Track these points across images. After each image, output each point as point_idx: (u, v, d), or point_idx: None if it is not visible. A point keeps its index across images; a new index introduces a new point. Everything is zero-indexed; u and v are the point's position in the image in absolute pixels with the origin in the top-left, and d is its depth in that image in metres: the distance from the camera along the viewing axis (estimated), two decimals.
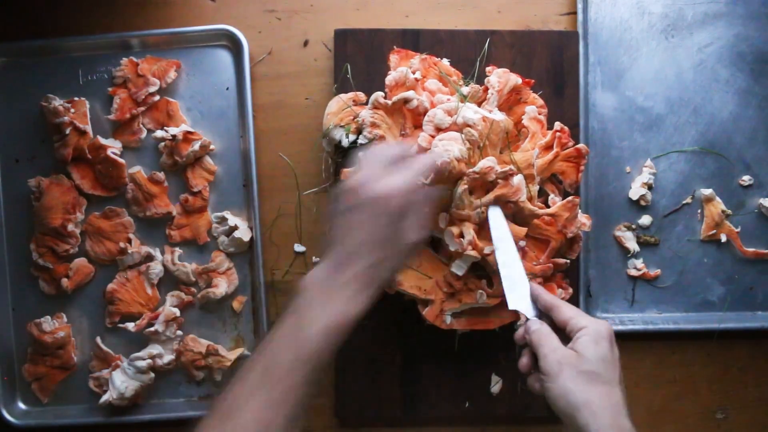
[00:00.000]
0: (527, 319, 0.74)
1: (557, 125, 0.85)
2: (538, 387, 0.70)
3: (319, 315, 0.65)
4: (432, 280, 0.84)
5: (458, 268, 0.81)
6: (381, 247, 0.68)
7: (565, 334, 0.71)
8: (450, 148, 0.77)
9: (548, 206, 0.84)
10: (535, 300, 0.75)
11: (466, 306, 0.83)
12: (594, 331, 0.69)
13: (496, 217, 0.80)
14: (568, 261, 0.86)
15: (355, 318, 0.66)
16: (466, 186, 0.77)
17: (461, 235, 0.79)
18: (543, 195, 0.86)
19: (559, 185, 0.88)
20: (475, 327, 0.85)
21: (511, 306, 0.76)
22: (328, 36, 0.94)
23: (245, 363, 0.66)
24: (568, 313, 0.72)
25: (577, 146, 0.85)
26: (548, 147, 0.84)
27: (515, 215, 0.82)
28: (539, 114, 0.86)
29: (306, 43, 0.95)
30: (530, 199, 0.83)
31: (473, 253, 0.78)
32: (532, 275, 0.81)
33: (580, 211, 0.85)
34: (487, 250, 0.79)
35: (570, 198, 0.83)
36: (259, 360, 0.65)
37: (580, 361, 0.67)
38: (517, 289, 0.76)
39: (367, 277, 0.67)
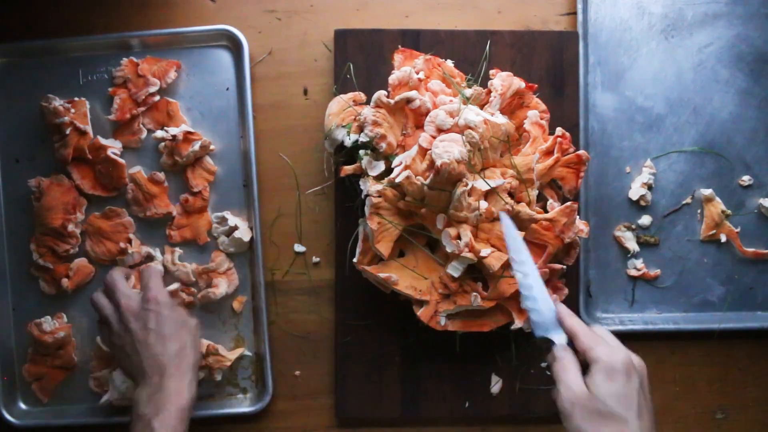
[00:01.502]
0: (553, 344, 0.73)
1: (558, 130, 0.85)
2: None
3: (161, 410, 0.76)
4: (427, 281, 0.84)
5: (454, 270, 0.81)
6: (174, 334, 0.81)
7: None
8: (450, 149, 0.77)
9: (547, 211, 0.84)
10: (560, 322, 0.74)
11: (461, 308, 0.83)
12: (607, 365, 0.67)
13: (508, 227, 0.79)
14: (565, 267, 0.86)
15: (192, 399, 0.79)
16: (464, 188, 0.77)
17: (458, 237, 0.79)
18: (542, 200, 0.86)
19: (559, 191, 0.88)
20: (469, 329, 0.85)
21: (537, 334, 0.75)
22: (328, 36, 0.94)
23: None
24: (585, 343, 0.70)
25: (578, 152, 0.85)
26: (549, 152, 0.84)
27: (514, 219, 0.82)
28: (541, 119, 0.86)
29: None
30: (529, 203, 0.83)
31: (470, 255, 0.78)
32: None
33: (578, 216, 0.85)
34: (483, 253, 0.78)
35: (568, 203, 0.83)
36: None
37: (592, 400, 0.66)
38: (543, 314, 0.75)
39: (180, 363, 0.80)
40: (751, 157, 0.96)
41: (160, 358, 0.79)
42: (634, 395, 0.67)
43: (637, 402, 0.66)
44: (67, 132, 0.91)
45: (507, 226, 0.78)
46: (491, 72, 0.86)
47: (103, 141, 0.92)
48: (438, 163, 0.75)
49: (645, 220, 0.95)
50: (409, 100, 0.82)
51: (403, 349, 0.93)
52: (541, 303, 0.75)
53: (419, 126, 0.83)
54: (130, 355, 0.81)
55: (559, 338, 0.73)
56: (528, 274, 0.76)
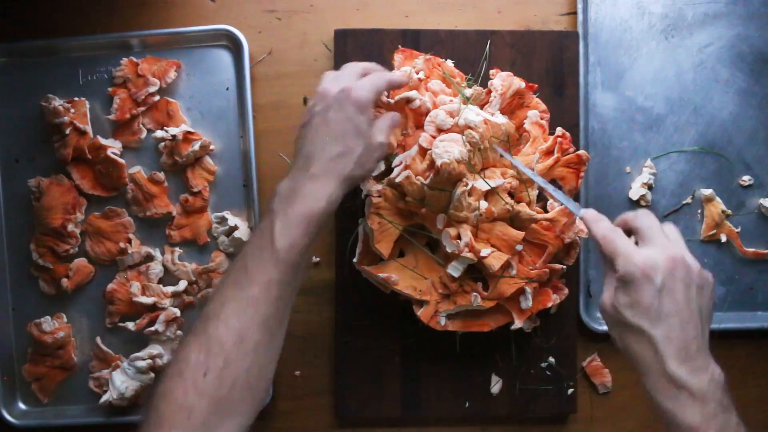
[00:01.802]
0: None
1: (559, 130, 0.85)
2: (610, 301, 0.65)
3: (288, 210, 0.67)
4: (428, 281, 0.84)
5: (454, 270, 0.81)
6: (344, 137, 0.71)
7: None
8: (450, 149, 0.77)
9: (547, 211, 0.84)
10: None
11: (461, 308, 0.83)
12: (621, 277, 0.64)
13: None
14: (565, 267, 0.86)
15: (324, 209, 0.68)
16: (464, 188, 0.77)
17: (458, 237, 0.79)
18: (542, 200, 0.86)
19: (559, 191, 0.88)
20: (469, 329, 0.85)
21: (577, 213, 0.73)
22: (328, 36, 0.94)
23: (226, 270, 0.68)
24: (606, 254, 0.66)
25: (578, 152, 0.85)
26: (549, 152, 0.84)
27: (513, 219, 0.82)
28: (541, 119, 0.86)
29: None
30: (529, 203, 0.83)
31: (470, 255, 0.78)
32: (528, 280, 0.81)
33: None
34: (483, 253, 0.78)
35: None
36: (236, 262, 0.67)
37: (612, 310, 0.65)
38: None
39: (332, 168, 0.69)
40: (751, 157, 0.96)
41: (317, 153, 0.70)
42: (648, 302, 0.62)
43: (655, 309, 0.62)
44: (67, 132, 0.91)
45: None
46: (491, 72, 0.86)
47: (102, 141, 0.92)
48: (438, 163, 0.75)
49: None
50: (409, 100, 0.82)
51: (403, 349, 0.93)
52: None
53: (419, 126, 0.83)
54: (300, 138, 0.73)
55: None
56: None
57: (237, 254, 0.93)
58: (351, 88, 0.72)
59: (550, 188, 0.78)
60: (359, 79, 0.75)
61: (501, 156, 0.81)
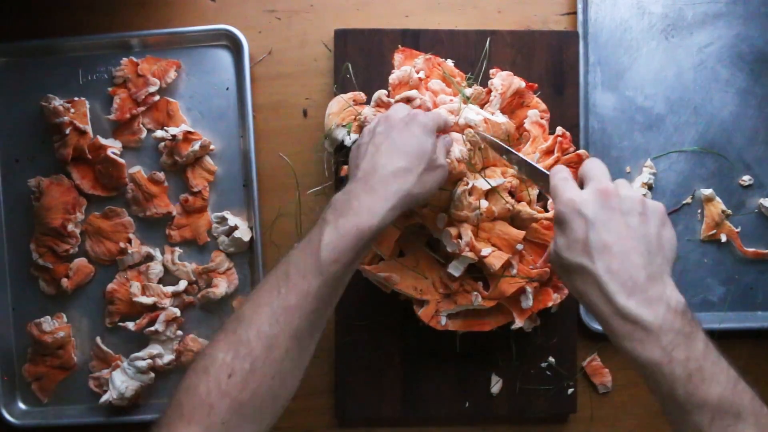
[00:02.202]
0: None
1: (559, 130, 0.85)
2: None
3: (339, 221, 0.65)
4: (428, 281, 0.84)
5: (455, 269, 0.81)
6: (409, 154, 0.68)
7: None
8: (451, 148, 0.77)
9: (547, 210, 0.84)
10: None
11: (462, 307, 0.83)
12: (555, 219, 0.64)
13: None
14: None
15: (378, 225, 0.65)
16: (465, 187, 0.77)
17: (459, 236, 0.79)
18: (542, 199, 0.86)
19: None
20: (470, 329, 0.85)
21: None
22: (328, 36, 0.94)
23: (269, 271, 0.66)
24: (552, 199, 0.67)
25: (578, 151, 0.85)
26: (549, 151, 0.84)
27: (513, 218, 0.82)
28: (541, 118, 0.86)
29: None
30: (529, 202, 0.83)
31: (470, 254, 0.78)
32: (528, 279, 0.81)
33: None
34: (484, 252, 0.78)
35: None
36: (279, 266, 0.65)
37: (555, 257, 0.64)
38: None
39: (393, 182, 0.67)
40: (751, 157, 0.96)
41: (378, 167, 0.67)
42: (582, 236, 0.61)
43: (592, 242, 0.60)
44: (67, 132, 0.91)
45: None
46: (491, 71, 0.86)
47: (102, 141, 0.92)
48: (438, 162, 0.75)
49: None
50: (409, 100, 0.82)
51: (403, 349, 0.93)
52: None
53: None
54: (357, 156, 0.72)
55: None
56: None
57: (237, 254, 0.93)
58: (417, 113, 0.72)
59: (518, 154, 0.77)
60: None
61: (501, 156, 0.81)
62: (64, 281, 0.92)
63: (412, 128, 0.70)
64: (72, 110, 0.92)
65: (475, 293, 0.82)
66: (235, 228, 0.92)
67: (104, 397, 0.90)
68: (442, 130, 0.75)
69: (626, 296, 0.59)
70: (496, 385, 0.93)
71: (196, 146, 0.90)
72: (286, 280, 0.63)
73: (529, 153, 0.84)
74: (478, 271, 0.83)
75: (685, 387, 0.58)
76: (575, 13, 0.95)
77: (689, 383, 0.58)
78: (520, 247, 0.81)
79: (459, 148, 0.77)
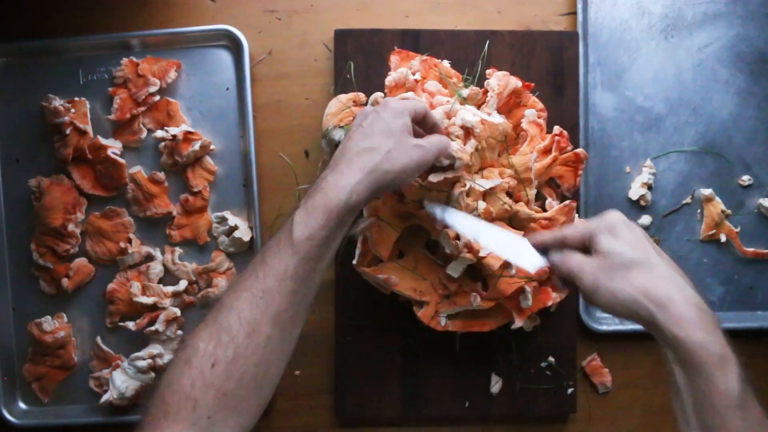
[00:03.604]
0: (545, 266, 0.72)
1: (556, 129, 0.85)
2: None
3: (308, 201, 0.65)
4: (427, 282, 0.84)
5: (454, 271, 0.81)
6: (374, 135, 0.68)
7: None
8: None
9: (545, 210, 0.84)
10: (541, 246, 0.73)
11: (461, 308, 0.83)
12: (605, 225, 0.67)
13: (451, 215, 0.78)
14: None
15: (346, 200, 0.65)
16: (462, 188, 0.77)
17: (457, 238, 0.79)
18: (540, 199, 0.86)
19: (557, 189, 0.88)
20: (469, 329, 0.85)
21: (532, 270, 0.74)
22: (328, 36, 0.94)
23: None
24: (577, 229, 0.69)
25: (576, 150, 0.85)
26: (547, 151, 0.84)
27: (511, 219, 0.82)
28: (538, 117, 0.86)
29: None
30: (527, 202, 0.83)
31: (469, 255, 0.78)
32: (527, 279, 0.81)
33: (577, 215, 0.85)
34: (483, 253, 0.78)
35: (567, 202, 0.83)
36: (256, 256, 0.66)
37: (607, 260, 0.65)
38: (522, 253, 0.74)
39: (357, 160, 0.67)
40: (751, 157, 0.96)
41: (345, 151, 0.68)
42: (643, 240, 0.66)
43: (651, 245, 0.66)
44: (67, 132, 0.91)
45: (448, 217, 0.78)
46: (488, 72, 0.86)
47: (103, 141, 0.92)
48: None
49: (645, 220, 0.95)
50: None
51: (403, 349, 0.93)
52: (514, 244, 0.75)
53: None
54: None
55: (544, 262, 0.72)
56: (486, 233, 0.76)
57: (237, 254, 0.93)
58: (388, 101, 0.72)
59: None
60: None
61: (499, 156, 0.81)
62: (65, 281, 0.92)
63: (382, 114, 0.70)
64: (72, 110, 0.92)
65: (474, 294, 0.82)
66: (235, 228, 0.92)
67: (104, 397, 0.91)
68: (421, 118, 0.75)
69: (694, 288, 0.65)
70: (496, 385, 0.93)
71: (196, 146, 0.90)
72: (263, 264, 0.64)
73: (527, 153, 0.84)
74: (476, 271, 0.83)
75: None
76: (575, 13, 0.95)
77: None
78: None
79: (456, 145, 0.76)
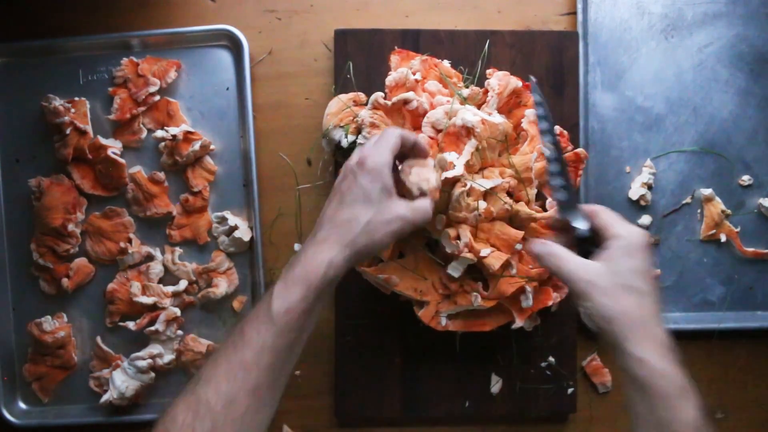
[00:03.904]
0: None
1: (557, 129, 0.85)
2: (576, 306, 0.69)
3: (287, 274, 0.66)
4: (428, 282, 0.84)
5: (454, 270, 0.81)
6: (352, 204, 0.68)
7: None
8: (427, 176, 0.74)
9: (546, 210, 0.84)
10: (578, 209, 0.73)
11: (462, 308, 0.83)
12: (629, 242, 0.67)
13: (535, 93, 0.79)
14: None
15: (324, 274, 0.65)
16: (463, 188, 0.77)
17: (458, 237, 0.79)
18: (541, 199, 0.86)
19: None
20: (470, 329, 0.85)
21: (561, 216, 0.73)
22: (328, 36, 0.94)
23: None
24: (607, 221, 0.69)
25: (576, 150, 0.85)
26: None
27: (512, 218, 0.82)
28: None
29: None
30: (528, 202, 0.83)
31: (469, 255, 0.78)
32: (528, 279, 0.81)
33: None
34: (483, 253, 0.78)
35: None
36: (235, 326, 0.66)
37: (612, 275, 0.65)
38: (568, 194, 0.74)
39: (335, 232, 0.67)
40: (751, 157, 0.96)
41: (325, 220, 0.68)
42: (649, 270, 0.67)
43: (652, 279, 0.67)
44: (68, 132, 0.91)
45: (535, 93, 0.78)
46: (488, 72, 0.86)
47: (103, 141, 0.92)
48: (416, 192, 0.73)
49: (645, 220, 0.95)
50: (406, 102, 0.82)
51: (403, 349, 0.93)
52: (566, 182, 0.74)
53: (417, 127, 0.83)
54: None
55: (579, 223, 0.72)
56: (556, 149, 0.76)
57: (237, 254, 0.93)
58: (366, 156, 0.69)
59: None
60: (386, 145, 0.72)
61: (499, 155, 0.81)
62: (65, 281, 0.92)
63: (359, 178, 0.68)
64: (72, 110, 0.92)
65: (475, 294, 0.82)
66: (235, 228, 0.92)
67: (104, 397, 0.91)
68: (410, 146, 0.73)
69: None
70: (496, 385, 0.93)
71: (196, 146, 0.90)
72: (241, 335, 0.64)
73: (527, 152, 0.84)
74: (477, 271, 0.83)
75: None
76: (575, 13, 0.95)
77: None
78: (519, 246, 0.81)
79: (434, 175, 0.75)
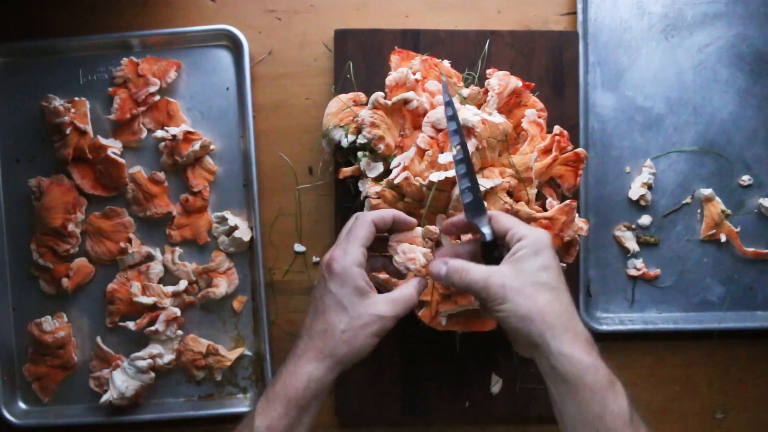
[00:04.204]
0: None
1: (556, 129, 0.85)
2: (488, 314, 0.69)
3: (269, 390, 0.66)
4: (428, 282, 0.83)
5: None
6: (325, 312, 0.67)
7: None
8: (414, 255, 0.74)
9: (546, 210, 0.84)
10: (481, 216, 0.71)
11: (462, 308, 0.83)
12: (534, 241, 0.66)
13: (444, 93, 0.75)
14: (565, 265, 0.86)
15: (305, 389, 0.65)
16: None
17: (458, 237, 0.79)
18: (541, 198, 0.86)
19: (558, 189, 0.88)
20: (470, 329, 0.85)
21: (468, 218, 0.71)
22: (328, 36, 0.94)
23: None
24: (507, 223, 0.69)
25: (576, 150, 0.85)
26: (547, 150, 0.84)
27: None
28: (539, 117, 0.86)
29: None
30: (528, 202, 0.83)
31: None
32: None
33: (577, 215, 0.85)
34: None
35: (567, 201, 0.83)
36: None
37: (523, 275, 0.65)
38: (474, 197, 0.72)
39: (313, 346, 0.67)
40: (751, 157, 0.96)
41: (304, 332, 0.68)
42: (559, 268, 0.67)
43: (562, 274, 0.67)
44: (67, 132, 0.91)
45: (444, 93, 0.75)
46: (488, 71, 0.86)
47: (103, 141, 0.92)
48: (404, 272, 0.73)
49: (645, 219, 0.96)
50: (406, 101, 0.82)
51: (403, 349, 0.93)
52: (473, 184, 0.72)
53: (417, 127, 0.83)
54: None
55: (485, 228, 0.70)
56: (462, 149, 0.73)
57: (237, 254, 0.93)
58: (332, 259, 0.68)
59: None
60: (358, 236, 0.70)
61: (499, 155, 0.81)
62: (65, 281, 0.92)
63: (329, 284, 0.67)
64: (72, 110, 0.92)
65: None
66: (235, 228, 0.92)
67: (104, 397, 0.91)
68: (388, 226, 0.73)
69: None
70: (496, 385, 0.93)
71: (196, 146, 0.90)
72: None
73: (527, 152, 0.84)
74: None
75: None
76: (575, 13, 0.95)
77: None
78: None
79: (421, 251, 0.74)
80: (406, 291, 0.71)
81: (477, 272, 0.67)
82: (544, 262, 0.66)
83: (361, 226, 0.70)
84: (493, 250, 0.71)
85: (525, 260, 0.66)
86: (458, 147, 0.73)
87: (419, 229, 0.75)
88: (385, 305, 0.68)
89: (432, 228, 0.74)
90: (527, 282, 0.65)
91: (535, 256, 0.66)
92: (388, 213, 0.73)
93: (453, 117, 0.74)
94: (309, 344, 0.67)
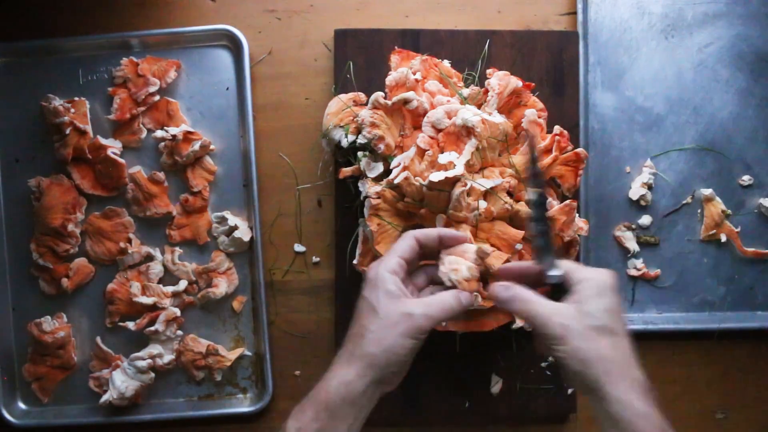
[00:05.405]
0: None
1: (556, 129, 0.85)
2: (545, 350, 0.68)
3: (309, 393, 0.67)
4: None
5: None
6: (359, 317, 0.68)
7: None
8: (458, 266, 0.72)
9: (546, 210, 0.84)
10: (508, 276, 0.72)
11: None
12: (598, 282, 0.66)
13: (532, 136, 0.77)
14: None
15: (335, 393, 0.64)
16: (463, 188, 0.77)
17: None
18: None
19: (558, 189, 0.88)
20: (470, 329, 0.85)
21: (537, 261, 0.71)
22: (328, 36, 0.94)
23: None
24: (572, 267, 0.69)
25: (576, 150, 0.85)
26: (547, 150, 0.84)
27: (512, 218, 0.82)
28: (539, 117, 0.86)
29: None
30: (528, 202, 0.83)
31: None
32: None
33: (577, 215, 0.85)
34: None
35: (567, 201, 0.83)
36: None
37: (585, 317, 0.64)
38: (548, 241, 0.72)
39: (347, 350, 0.67)
40: (751, 157, 0.96)
41: (347, 335, 0.68)
42: (620, 310, 0.67)
43: (624, 317, 0.67)
44: (67, 132, 0.91)
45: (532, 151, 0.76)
46: (488, 71, 0.86)
47: (103, 141, 0.92)
48: (447, 284, 0.71)
49: (645, 219, 0.96)
50: (406, 101, 0.82)
51: None
52: (546, 228, 0.72)
53: (417, 127, 0.83)
54: None
55: (554, 270, 0.70)
56: (541, 196, 0.73)
57: (237, 254, 0.93)
58: (369, 269, 0.70)
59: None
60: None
61: (499, 155, 0.81)
62: (65, 281, 0.92)
63: (364, 292, 0.69)
64: (72, 110, 0.92)
65: (475, 293, 0.82)
66: (235, 228, 0.92)
67: (104, 397, 0.91)
68: (433, 243, 0.72)
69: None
70: (496, 385, 0.93)
71: (196, 146, 0.90)
72: None
73: (527, 153, 0.84)
74: None
75: None
76: (575, 13, 0.95)
77: None
78: (519, 246, 0.81)
79: (467, 265, 0.73)
80: (443, 297, 0.70)
81: (540, 307, 0.66)
82: (607, 305, 0.65)
83: (402, 240, 0.71)
84: (556, 293, 0.69)
85: (588, 301, 0.65)
86: (539, 191, 0.74)
87: (472, 246, 0.74)
88: (417, 305, 0.67)
89: (485, 247, 0.73)
90: (589, 325, 0.64)
91: (598, 297, 0.65)
92: (433, 230, 0.73)
93: (533, 161, 0.75)
94: (344, 349, 0.67)
